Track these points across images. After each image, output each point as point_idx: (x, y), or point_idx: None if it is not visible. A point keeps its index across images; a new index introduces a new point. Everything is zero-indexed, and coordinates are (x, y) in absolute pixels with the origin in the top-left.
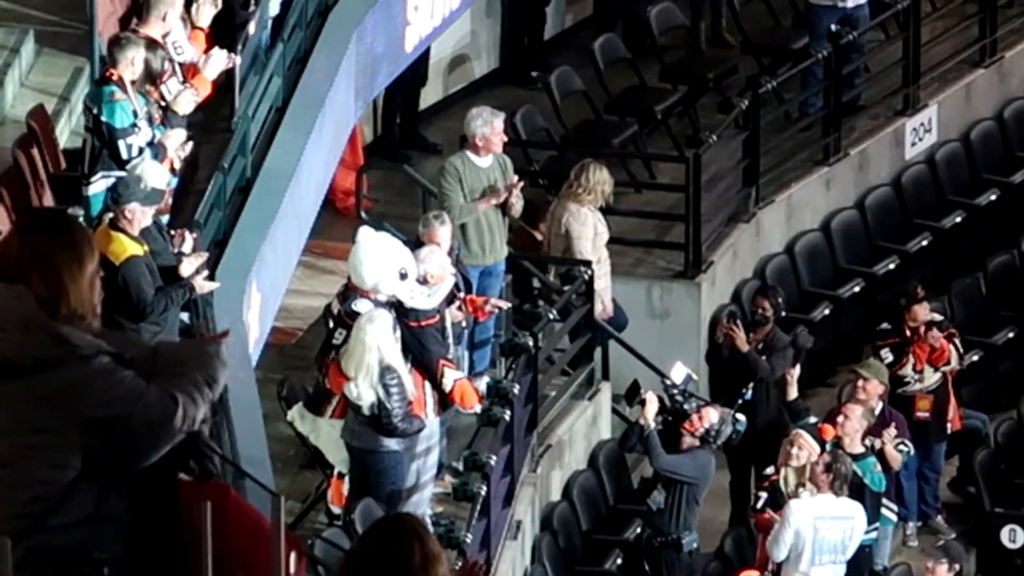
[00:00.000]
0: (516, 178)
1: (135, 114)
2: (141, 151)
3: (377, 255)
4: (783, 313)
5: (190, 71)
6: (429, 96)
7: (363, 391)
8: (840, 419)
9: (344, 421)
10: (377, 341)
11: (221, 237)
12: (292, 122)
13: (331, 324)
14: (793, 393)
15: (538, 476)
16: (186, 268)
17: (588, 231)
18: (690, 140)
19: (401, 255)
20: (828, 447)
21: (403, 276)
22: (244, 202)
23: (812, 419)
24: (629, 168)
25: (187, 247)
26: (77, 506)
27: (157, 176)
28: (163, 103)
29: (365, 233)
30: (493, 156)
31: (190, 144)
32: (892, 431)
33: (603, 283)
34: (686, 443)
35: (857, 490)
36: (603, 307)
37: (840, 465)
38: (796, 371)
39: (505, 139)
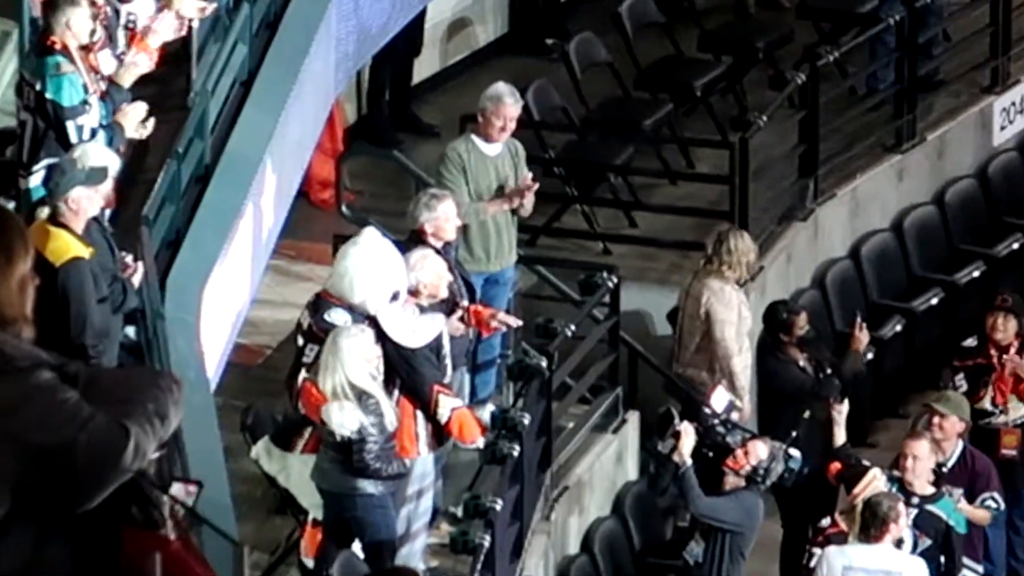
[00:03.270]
0: (530, 176)
1: (85, 88)
2: (94, 133)
3: (376, 267)
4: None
5: (135, 36)
6: (424, 68)
7: (346, 415)
8: (908, 461)
9: (315, 460)
10: (350, 363)
11: (174, 236)
12: (260, 98)
13: (301, 340)
14: (841, 436)
15: (552, 524)
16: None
17: (733, 315)
18: (736, 122)
19: (399, 273)
20: (884, 486)
21: (395, 297)
22: (202, 194)
23: (867, 463)
24: (663, 155)
25: (136, 279)
26: (12, 552)
27: (101, 157)
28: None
29: (369, 237)
30: (503, 142)
31: (152, 122)
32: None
33: (744, 379)
34: (729, 484)
35: (943, 538)
36: (742, 409)
37: (882, 508)
38: (844, 408)
39: (513, 125)
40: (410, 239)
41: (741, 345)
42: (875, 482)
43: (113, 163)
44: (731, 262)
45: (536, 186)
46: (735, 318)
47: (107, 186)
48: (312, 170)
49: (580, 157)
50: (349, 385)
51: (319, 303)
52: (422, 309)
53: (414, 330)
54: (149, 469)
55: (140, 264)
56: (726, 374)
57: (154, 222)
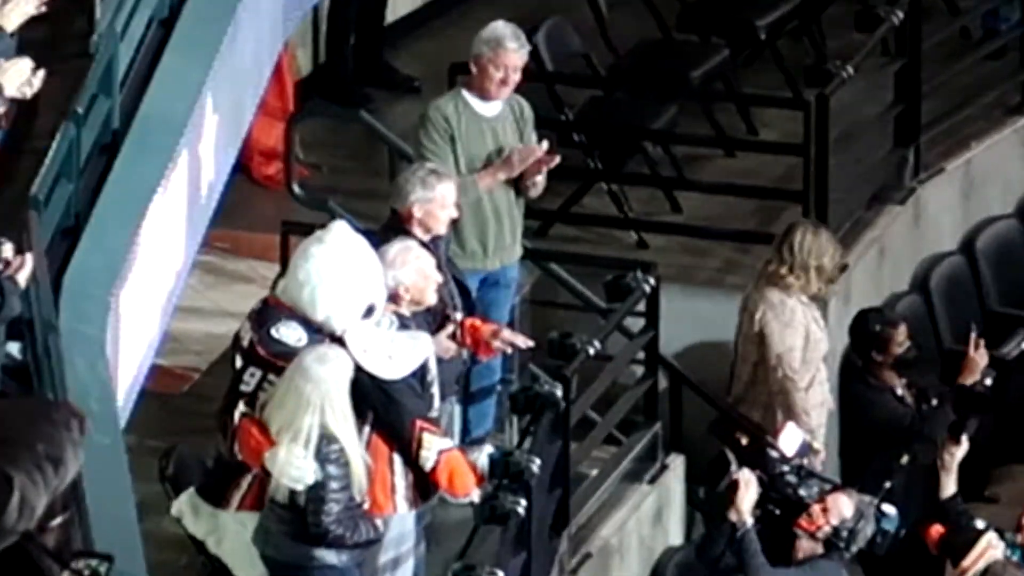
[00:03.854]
0: (545, 145)
1: None
2: None
3: (347, 275)
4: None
5: None
6: (399, 5)
7: (295, 464)
8: None
9: (258, 521)
10: (325, 396)
11: (72, 223)
12: (184, 42)
13: (239, 361)
14: (950, 487)
15: None
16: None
17: (796, 337)
18: (811, 74)
19: (376, 280)
20: (1001, 555)
21: (369, 312)
22: (109, 168)
23: (980, 525)
24: (715, 118)
25: (21, 277)
26: None
27: None
28: None
29: (338, 235)
30: (503, 100)
31: (41, 75)
32: None
33: (818, 416)
34: (803, 550)
35: None
36: (819, 452)
37: None
38: (960, 451)
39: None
40: (387, 226)
41: (810, 377)
42: (990, 551)
43: None
44: (794, 265)
45: (555, 160)
46: (799, 341)
47: None
48: (254, 137)
49: (606, 119)
50: (321, 430)
51: (265, 313)
52: (402, 320)
53: (390, 355)
54: (47, 537)
55: (26, 257)
56: (786, 414)
57: (46, 204)
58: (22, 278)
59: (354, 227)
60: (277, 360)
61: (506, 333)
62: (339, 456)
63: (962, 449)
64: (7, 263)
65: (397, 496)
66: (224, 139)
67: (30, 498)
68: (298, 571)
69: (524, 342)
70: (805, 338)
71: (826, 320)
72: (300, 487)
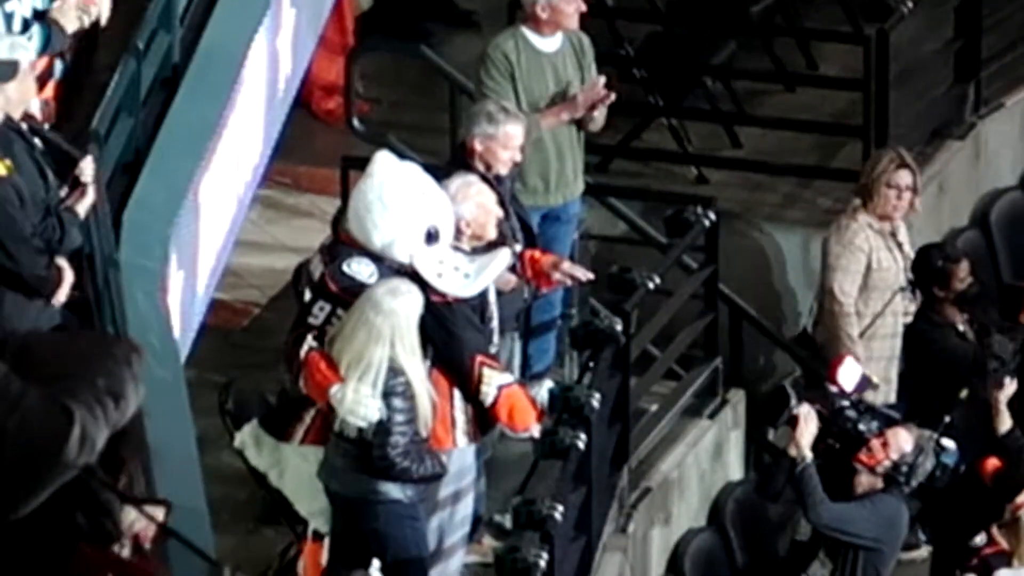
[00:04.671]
0: (602, 81)
1: None
2: (27, 25)
3: (396, 200)
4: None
5: None
6: None
7: (361, 402)
8: None
9: (324, 452)
10: (396, 329)
11: (132, 158)
12: None
13: (308, 294)
14: (1007, 422)
15: (630, 537)
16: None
17: (854, 261)
18: (871, 9)
19: (435, 203)
20: None
21: (431, 237)
22: (168, 103)
23: None
24: (776, 53)
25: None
26: None
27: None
28: None
29: (382, 162)
30: (563, 35)
31: (104, 6)
32: None
33: (887, 348)
34: (863, 485)
35: None
36: (878, 386)
37: None
38: (1010, 387)
39: (583, 8)
40: (452, 161)
41: (869, 305)
42: None
43: (26, 56)
44: (859, 188)
45: (611, 96)
46: (858, 266)
47: (23, 86)
48: (313, 72)
49: (666, 55)
50: (390, 363)
51: (336, 249)
52: (468, 255)
53: (467, 274)
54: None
55: (87, 189)
56: (836, 340)
57: (106, 140)
58: (82, 209)
59: (413, 160)
60: (347, 295)
61: (566, 265)
62: (405, 389)
63: (1008, 389)
64: (76, 187)
65: (457, 431)
66: (302, 32)
67: (91, 432)
68: (363, 506)
69: (584, 274)
70: (869, 264)
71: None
72: (364, 424)
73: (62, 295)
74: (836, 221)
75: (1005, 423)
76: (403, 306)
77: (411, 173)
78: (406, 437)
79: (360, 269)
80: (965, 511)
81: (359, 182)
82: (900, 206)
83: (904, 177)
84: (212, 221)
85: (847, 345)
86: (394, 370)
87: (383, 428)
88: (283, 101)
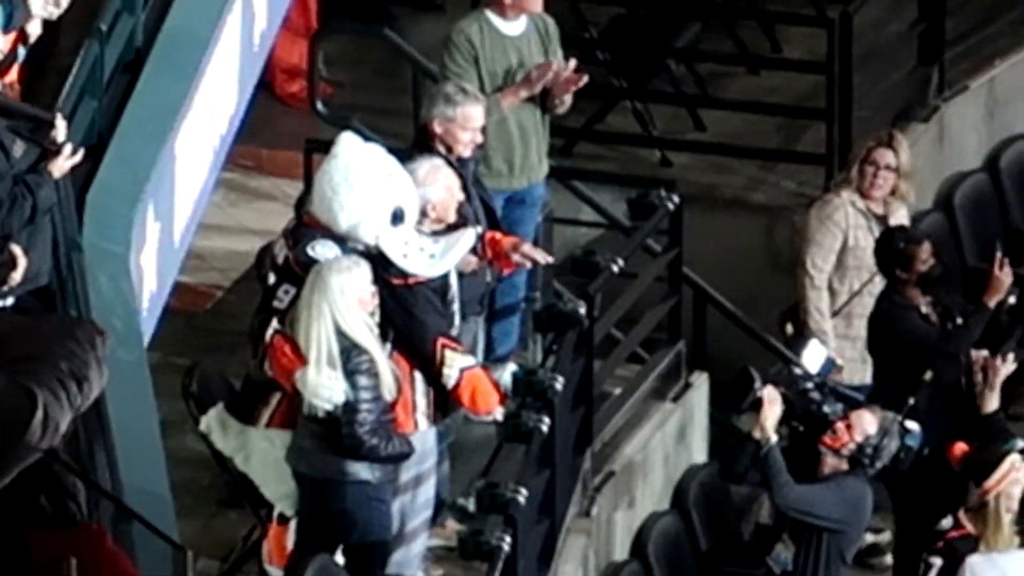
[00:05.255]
0: (573, 64)
1: None
2: None
3: (362, 181)
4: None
5: None
6: None
7: (325, 384)
8: None
9: (292, 435)
10: (333, 305)
11: (95, 140)
12: None
13: (272, 278)
14: (993, 403)
15: (594, 520)
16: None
17: (826, 236)
18: None
19: (400, 184)
20: None
21: (397, 218)
22: (132, 85)
23: (1021, 443)
24: (739, 36)
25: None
26: None
27: None
28: None
29: (348, 143)
30: (528, 18)
31: None
32: None
33: (827, 325)
34: (827, 467)
35: None
36: (842, 367)
37: None
38: (1007, 366)
39: None
40: (415, 144)
41: (844, 283)
42: (1014, 473)
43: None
44: (852, 162)
45: (583, 80)
46: (832, 242)
47: None
48: (277, 55)
49: (631, 37)
50: (337, 336)
51: (300, 231)
52: (432, 236)
53: (432, 254)
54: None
55: (65, 149)
56: (805, 314)
57: (70, 122)
58: (57, 170)
59: (377, 143)
60: None
61: (526, 247)
62: (370, 367)
63: (1007, 367)
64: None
65: (417, 414)
66: None
67: (54, 415)
68: (331, 487)
69: (544, 257)
70: (846, 242)
71: None
72: (329, 407)
73: (16, 277)
74: (821, 196)
75: (992, 403)
76: (339, 281)
77: (376, 154)
78: (373, 415)
79: (324, 251)
80: (930, 494)
81: (323, 163)
82: (878, 184)
83: (885, 156)
84: (188, 171)
85: (816, 319)
86: (356, 347)
87: (350, 407)
88: (258, 55)
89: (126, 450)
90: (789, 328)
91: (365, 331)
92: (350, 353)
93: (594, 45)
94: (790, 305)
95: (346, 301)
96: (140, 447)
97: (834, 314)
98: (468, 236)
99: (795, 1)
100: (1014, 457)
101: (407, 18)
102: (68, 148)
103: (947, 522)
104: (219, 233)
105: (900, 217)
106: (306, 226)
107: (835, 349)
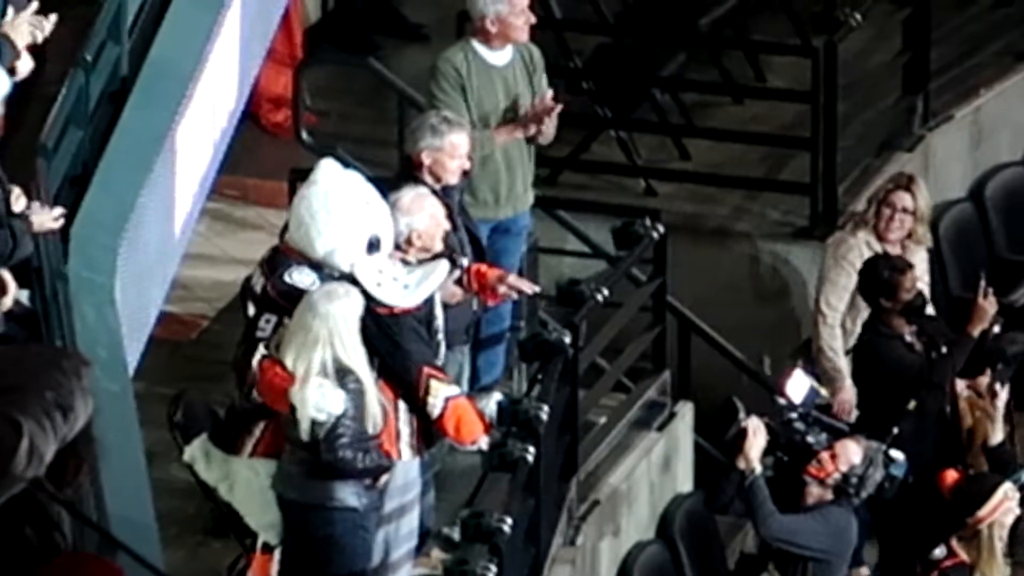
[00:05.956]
0: (550, 94)
1: None
2: None
3: (341, 208)
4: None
5: None
6: None
7: (323, 395)
8: None
9: (277, 462)
10: (332, 331)
11: (80, 171)
12: None
13: (251, 308)
14: (999, 434)
15: (579, 550)
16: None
17: (840, 274)
18: (819, 21)
19: (378, 213)
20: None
21: (373, 246)
22: (117, 115)
23: None
24: (724, 65)
25: (37, 221)
26: None
27: None
28: None
29: (327, 170)
30: (513, 48)
31: (52, 20)
32: None
33: (838, 361)
34: (812, 497)
35: None
36: (826, 398)
37: None
38: (1001, 399)
39: (533, 20)
40: (400, 174)
41: (857, 323)
42: (1007, 503)
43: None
44: (871, 201)
45: (558, 107)
46: (846, 281)
47: None
48: (262, 84)
49: (615, 66)
50: (333, 361)
51: (277, 260)
52: (408, 267)
53: (406, 285)
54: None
55: (38, 204)
56: (819, 352)
57: (54, 152)
58: (38, 221)
59: (359, 171)
60: (291, 304)
61: (512, 279)
62: (356, 387)
63: (1002, 398)
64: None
65: (401, 443)
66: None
67: (39, 445)
68: (317, 513)
69: (530, 288)
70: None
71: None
72: (324, 417)
73: (6, 303)
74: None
75: (998, 434)
76: (339, 308)
77: (355, 182)
78: (350, 431)
79: (301, 279)
80: (918, 523)
81: (302, 189)
82: (894, 227)
83: (903, 199)
84: (188, 166)
85: (829, 357)
86: (343, 370)
87: (331, 425)
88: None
89: (111, 479)
90: (767, 361)
91: (363, 360)
92: (338, 374)
93: (579, 74)
94: (803, 342)
95: (348, 328)
96: (125, 476)
97: (846, 353)
98: (441, 268)
99: (780, 30)
100: (1007, 486)
101: (392, 48)
102: (58, 211)
103: (940, 551)
104: (205, 263)
105: (918, 261)
106: (282, 254)
107: (849, 387)
